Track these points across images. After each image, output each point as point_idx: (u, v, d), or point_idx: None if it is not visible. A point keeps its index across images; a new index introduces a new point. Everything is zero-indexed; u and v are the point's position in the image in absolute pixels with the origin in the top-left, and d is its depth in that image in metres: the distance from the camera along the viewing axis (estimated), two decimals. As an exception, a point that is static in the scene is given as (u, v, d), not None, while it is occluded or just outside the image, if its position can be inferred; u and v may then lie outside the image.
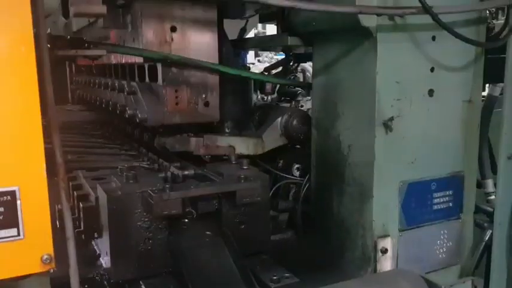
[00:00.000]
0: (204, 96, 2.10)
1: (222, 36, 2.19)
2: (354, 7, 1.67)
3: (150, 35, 1.99)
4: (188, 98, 2.07)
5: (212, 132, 2.31)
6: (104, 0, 1.71)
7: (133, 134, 2.69)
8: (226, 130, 2.34)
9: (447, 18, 1.77)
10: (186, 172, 2.06)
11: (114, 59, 2.41)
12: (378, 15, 1.72)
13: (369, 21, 1.75)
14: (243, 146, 2.27)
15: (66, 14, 1.72)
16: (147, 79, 2.16)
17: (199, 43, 2.07)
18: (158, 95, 2.06)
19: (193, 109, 2.09)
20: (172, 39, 2.01)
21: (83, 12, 1.63)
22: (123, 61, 2.26)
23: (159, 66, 2.03)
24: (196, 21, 2.03)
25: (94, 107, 3.08)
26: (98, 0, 1.65)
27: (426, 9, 1.67)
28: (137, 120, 2.07)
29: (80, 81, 3.54)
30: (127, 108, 2.14)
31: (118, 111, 2.31)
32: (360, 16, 1.72)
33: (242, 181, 1.86)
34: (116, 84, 2.33)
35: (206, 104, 2.12)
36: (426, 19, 1.72)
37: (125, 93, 2.17)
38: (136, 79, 2.22)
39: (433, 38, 1.89)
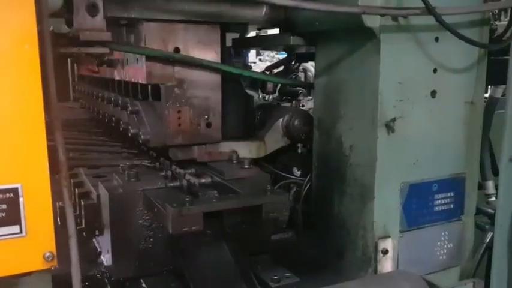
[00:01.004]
0: (206, 117, 2.11)
1: (223, 50, 2.19)
2: (358, 7, 1.67)
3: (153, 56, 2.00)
4: (191, 119, 2.08)
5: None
6: (107, 19, 1.73)
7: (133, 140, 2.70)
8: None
9: (450, 20, 1.77)
10: (203, 180, 1.94)
11: (118, 75, 2.41)
12: (382, 15, 1.72)
13: (372, 21, 1.74)
14: (245, 149, 2.27)
15: (69, 23, 1.72)
16: (149, 98, 2.17)
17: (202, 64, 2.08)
18: (161, 115, 2.07)
19: (195, 130, 2.10)
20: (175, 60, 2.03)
21: (89, 40, 1.67)
22: (127, 79, 2.27)
23: (163, 87, 2.04)
24: (199, 42, 2.04)
25: (97, 119, 3.10)
26: (102, 25, 1.69)
27: (430, 10, 1.66)
28: (140, 141, 2.09)
29: (82, 91, 3.56)
30: (130, 127, 2.15)
31: (121, 129, 2.33)
32: (364, 16, 1.72)
33: (268, 193, 1.72)
34: (119, 101, 2.34)
35: (208, 124, 2.12)
36: (429, 20, 1.72)
37: (128, 112, 2.18)
38: (139, 96, 2.24)
39: (436, 39, 1.89)
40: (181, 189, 1.89)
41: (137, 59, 2.07)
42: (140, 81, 2.09)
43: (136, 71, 2.11)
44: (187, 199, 1.58)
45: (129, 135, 2.16)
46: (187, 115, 2.07)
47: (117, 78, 2.46)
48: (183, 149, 2.14)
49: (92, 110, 3.17)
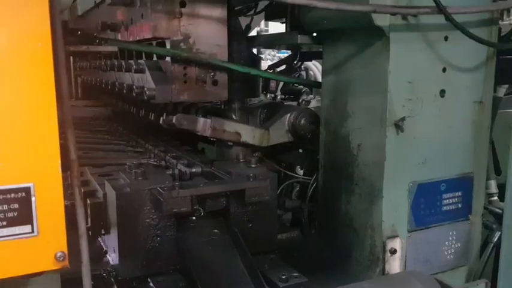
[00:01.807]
0: (212, 74, 2.08)
1: (237, 32, 2.17)
2: (369, 6, 1.66)
3: (159, 10, 1.95)
4: (196, 76, 2.05)
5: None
6: None
7: (138, 114, 2.67)
8: (234, 117, 2.33)
9: (460, 19, 1.76)
10: (193, 169, 2.06)
11: (122, 38, 2.37)
12: (392, 14, 1.71)
13: (382, 20, 1.74)
14: (249, 134, 2.26)
15: None
16: (154, 57, 2.14)
17: (208, 19, 2.05)
18: (166, 72, 2.04)
19: (201, 87, 2.07)
20: (181, 15, 1.99)
21: None
22: (131, 38, 2.23)
23: (168, 43, 2.01)
24: None
25: (100, 90, 3.04)
26: None
27: (440, 9, 1.66)
28: (145, 97, 2.03)
29: (84, 66, 3.50)
30: (134, 87, 2.12)
31: (125, 91, 2.29)
32: (373, 15, 1.71)
33: (251, 179, 1.85)
34: (123, 64, 2.29)
35: (214, 82, 2.09)
36: (439, 19, 1.72)
37: (133, 71, 2.14)
38: (144, 57, 2.20)
39: (446, 38, 1.88)
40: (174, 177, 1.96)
41: (142, 15, 2.03)
42: (145, 37, 2.05)
43: (141, 28, 2.07)
44: (177, 183, 1.72)
45: (134, 94, 2.12)
46: (193, 72, 2.04)
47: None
48: (189, 118, 2.13)
49: (94, 82, 3.10)
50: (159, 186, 1.73)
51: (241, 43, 2.28)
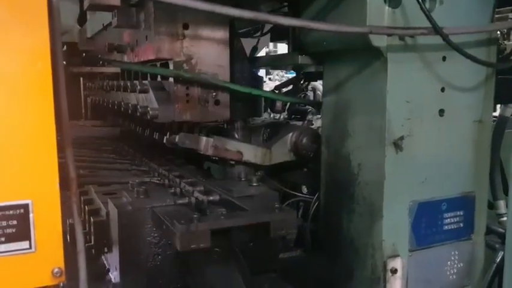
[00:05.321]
0: (214, 94, 2.12)
1: (239, 53, 2.22)
2: (365, 27, 1.69)
3: (162, 31, 2.01)
4: (199, 96, 2.09)
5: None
6: None
7: (143, 134, 2.73)
8: (236, 136, 2.36)
9: (458, 39, 1.78)
10: (211, 198, 1.97)
11: (128, 59, 2.44)
12: (389, 35, 1.74)
13: (379, 41, 1.76)
14: (251, 153, 2.28)
15: (81, 21, 1.76)
16: (158, 78, 2.19)
17: (211, 40, 2.10)
18: (169, 92, 2.09)
19: (203, 107, 2.11)
20: (184, 36, 2.04)
21: (97, 4, 1.68)
22: (136, 60, 2.30)
23: (171, 64, 2.06)
24: (208, 19, 2.06)
25: (107, 110, 3.13)
26: None
27: (437, 30, 1.68)
28: (148, 117, 2.08)
29: (92, 87, 3.58)
30: (138, 106, 2.17)
31: (130, 110, 2.34)
32: (371, 36, 1.73)
33: (276, 211, 1.72)
34: (128, 84, 2.35)
35: (216, 102, 2.14)
36: (437, 39, 1.73)
37: (137, 91, 2.20)
38: (149, 78, 2.26)
39: (444, 58, 1.90)
40: (189, 206, 1.89)
41: (146, 37, 2.09)
42: (149, 58, 2.11)
43: (145, 49, 2.13)
44: (195, 216, 1.60)
45: (138, 114, 2.17)
46: (195, 92, 2.09)
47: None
48: (191, 137, 2.17)
49: (102, 102, 3.18)
50: (175, 220, 1.59)
51: (243, 64, 2.32)
